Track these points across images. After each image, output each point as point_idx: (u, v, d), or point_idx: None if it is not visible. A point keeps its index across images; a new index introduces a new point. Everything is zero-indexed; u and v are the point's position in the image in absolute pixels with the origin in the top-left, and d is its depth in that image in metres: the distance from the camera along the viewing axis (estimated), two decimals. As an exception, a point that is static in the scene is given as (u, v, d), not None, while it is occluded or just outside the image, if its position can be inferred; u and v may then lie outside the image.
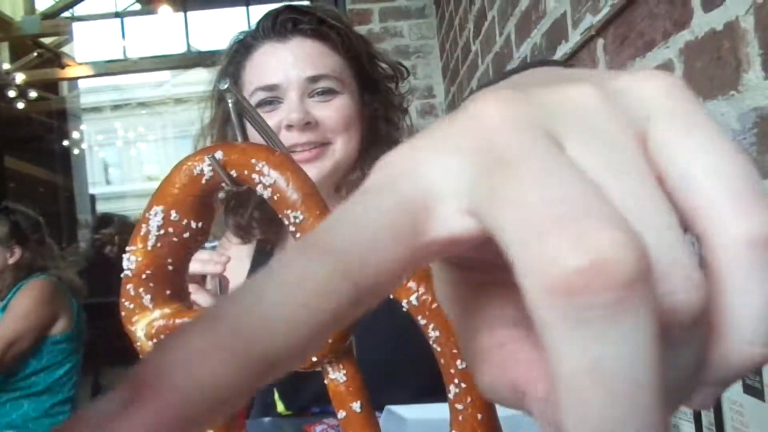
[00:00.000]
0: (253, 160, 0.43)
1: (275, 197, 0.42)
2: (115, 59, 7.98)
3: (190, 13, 6.90)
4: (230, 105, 0.45)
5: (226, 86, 0.45)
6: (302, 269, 0.14)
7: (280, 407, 0.97)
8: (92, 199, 9.92)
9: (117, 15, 7.76)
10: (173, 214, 0.46)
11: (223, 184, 0.45)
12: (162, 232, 0.46)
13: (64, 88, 9.93)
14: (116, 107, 13.54)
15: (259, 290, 0.13)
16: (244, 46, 0.94)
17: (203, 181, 0.44)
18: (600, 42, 0.91)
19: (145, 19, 7.96)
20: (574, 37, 0.99)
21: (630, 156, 0.15)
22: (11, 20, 7.24)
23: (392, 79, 1.03)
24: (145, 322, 0.47)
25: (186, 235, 0.46)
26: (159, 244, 0.46)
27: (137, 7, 7.92)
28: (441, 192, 0.15)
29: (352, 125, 0.93)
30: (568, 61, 1.05)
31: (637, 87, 0.16)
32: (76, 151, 10.04)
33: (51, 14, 7.65)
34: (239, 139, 0.46)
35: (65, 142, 9.72)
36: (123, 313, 0.48)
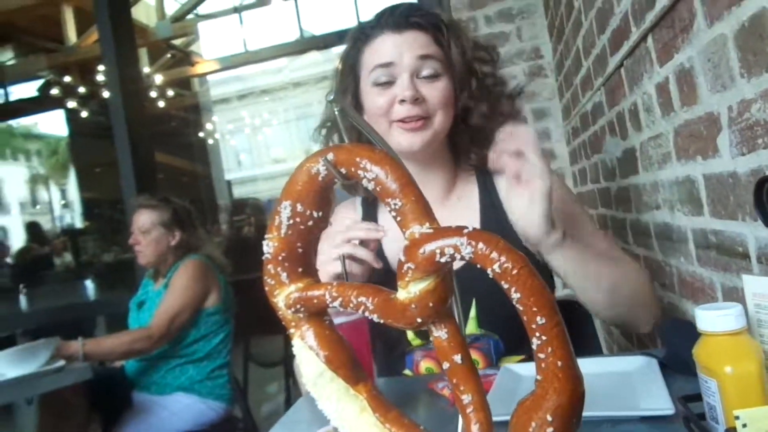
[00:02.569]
0: (358, 159, 0.51)
1: (378, 188, 0.51)
2: (237, 53, 8.50)
3: (300, 0, 7.16)
4: (336, 112, 0.54)
5: (332, 98, 0.54)
6: None
7: (411, 335, 1.09)
8: (228, 184, 10.73)
9: (236, 10, 8.22)
10: (299, 207, 0.56)
11: (336, 179, 0.54)
12: (291, 222, 0.56)
13: (196, 84, 10.75)
14: (242, 97, 14.40)
15: None
16: (364, 34, 1.14)
17: (320, 179, 0.54)
18: (698, -7, 0.89)
19: (261, 11, 8.35)
20: (673, -10, 0.97)
21: None
22: (146, 27, 7.92)
23: (487, 63, 1.17)
24: (284, 295, 0.58)
25: (310, 223, 0.56)
26: (290, 232, 0.57)
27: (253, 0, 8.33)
28: None
29: (450, 104, 1.12)
30: (664, 16, 1.03)
31: None
32: (210, 141, 10.86)
33: (179, 17, 8.27)
34: (346, 140, 0.55)
35: (201, 134, 10.55)
36: (267, 289, 0.60)
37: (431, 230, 0.48)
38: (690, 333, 0.64)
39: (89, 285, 5.86)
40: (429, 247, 0.47)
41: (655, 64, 1.16)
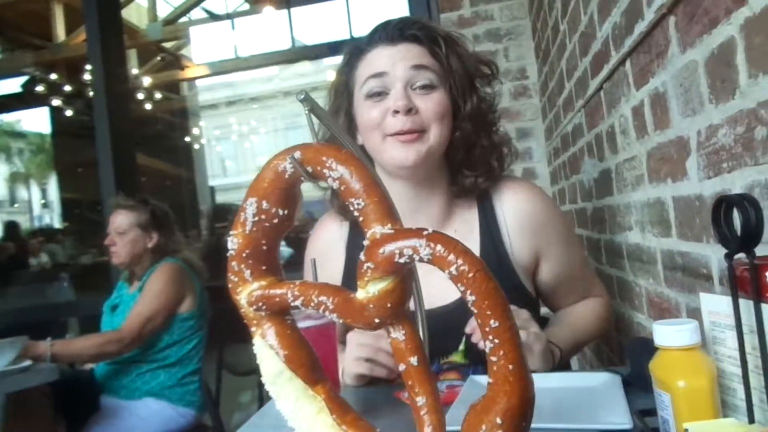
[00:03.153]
0: (324, 158, 0.52)
1: (342, 188, 0.51)
2: (227, 59, 8.51)
3: (293, 10, 7.20)
4: (306, 112, 0.54)
5: (302, 97, 0.54)
6: None
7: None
8: (212, 190, 10.67)
9: (228, 16, 8.24)
10: (264, 204, 0.56)
11: (302, 178, 0.54)
12: (256, 218, 0.56)
13: (185, 88, 10.72)
14: (230, 103, 14.38)
15: None
16: (358, 49, 1.12)
17: (286, 176, 0.54)
18: (672, 20, 0.92)
19: (253, 18, 8.38)
20: (649, 16, 0.99)
21: None
22: (137, 28, 7.91)
23: (486, 77, 1.15)
24: (246, 292, 0.58)
25: (275, 221, 0.57)
26: (255, 229, 0.57)
27: (246, 7, 8.36)
28: None
29: (446, 117, 1.08)
30: (642, 41, 1.06)
31: None
32: (196, 146, 10.81)
33: (171, 20, 8.27)
34: (314, 140, 0.56)
35: (187, 138, 10.50)
36: (230, 286, 0.60)
37: (392, 231, 0.48)
38: (654, 352, 0.65)
39: (65, 286, 5.77)
40: (389, 248, 0.47)
41: (632, 87, 1.19)
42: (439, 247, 0.46)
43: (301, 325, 0.88)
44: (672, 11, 0.91)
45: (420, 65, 1.05)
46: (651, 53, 1.05)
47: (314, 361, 0.59)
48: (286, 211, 0.57)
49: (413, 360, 0.50)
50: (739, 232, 0.55)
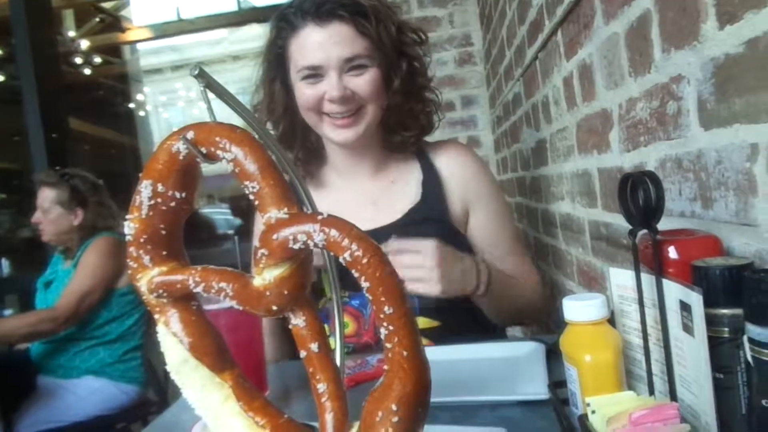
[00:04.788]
0: (218, 138, 0.49)
1: (236, 170, 0.49)
2: (170, 20, 8.15)
3: (238, -30, 6.91)
4: (201, 88, 0.51)
5: (196, 72, 0.51)
6: None
7: (326, 287, 1.15)
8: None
9: (169, -24, 7.86)
10: (160, 187, 0.53)
11: (198, 159, 0.52)
12: (152, 202, 0.54)
13: (127, 53, 10.24)
14: (176, 68, 13.85)
15: None
16: (288, 24, 1.11)
17: (181, 158, 0.51)
18: (596, -9, 0.91)
19: (195, -22, 8.02)
20: (577, -14, 0.99)
21: None
22: (73, -13, 7.45)
23: (419, 44, 1.18)
24: (146, 279, 0.56)
25: (173, 204, 0.54)
26: (151, 213, 0.54)
27: (188, -34, 7.97)
28: None
29: (380, 92, 1.12)
30: (571, 11, 1.05)
31: None
32: (141, 113, 10.42)
33: (108, -21, 7.83)
34: (210, 118, 0.53)
35: (131, 105, 10.09)
36: (129, 272, 0.57)
37: (287, 216, 0.46)
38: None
39: (1, 262, 5.55)
40: (283, 233, 0.45)
41: (563, 58, 1.19)
42: (333, 232, 0.44)
43: (224, 305, 0.86)
44: (596, -19, 0.90)
45: (352, 56, 1.07)
46: (579, 23, 1.04)
47: (221, 348, 0.57)
48: (183, 194, 0.54)
49: (314, 346, 0.49)
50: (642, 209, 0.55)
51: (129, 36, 8.85)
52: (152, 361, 2.44)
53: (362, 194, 1.19)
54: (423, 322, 1.10)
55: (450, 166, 1.19)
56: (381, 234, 1.06)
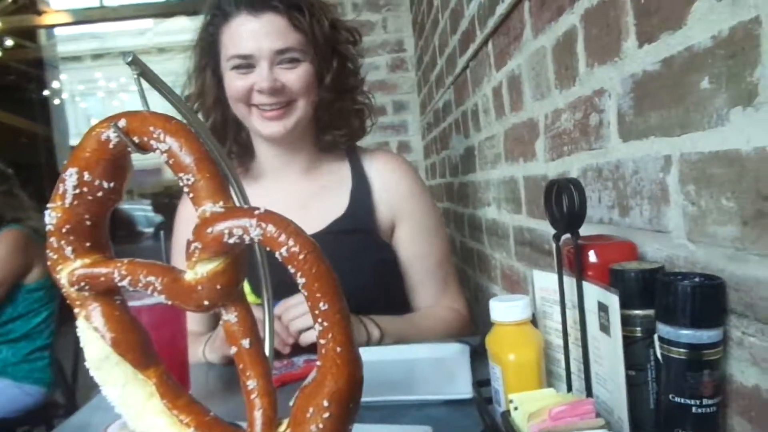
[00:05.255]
0: (152, 128, 0.48)
1: (171, 161, 0.47)
2: (92, 6, 7.77)
3: (167, -41, 6.68)
4: (135, 76, 0.50)
5: (130, 59, 0.50)
6: None
7: (251, 298, 1.08)
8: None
9: (91, -40, 7.50)
10: (86, 176, 0.51)
11: (129, 149, 0.50)
12: (77, 191, 0.51)
13: (43, 37, 9.67)
14: (97, 56, 13.23)
15: None
16: (221, 12, 1.09)
17: (111, 146, 0.50)
18: (527, 5, 0.95)
19: (121, -36, 7.70)
20: (508, -1, 1.03)
21: None
22: (-17, -36, 6.98)
23: (352, 42, 1.18)
24: (67, 271, 0.53)
25: (99, 194, 0.52)
26: (75, 202, 0.52)
27: (113, -49, 7.64)
28: None
29: (312, 88, 1.10)
30: (502, 23, 1.09)
31: None
32: (56, 101, 9.86)
33: (24, -42, 7.38)
34: (143, 108, 0.51)
35: (45, 92, 9.53)
36: (49, 263, 0.54)
37: (222, 209, 0.46)
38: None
39: None
40: (218, 227, 0.45)
41: (493, 68, 1.23)
42: (270, 227, 0.44)
43: (148, 302, 0.83)
44: (527, -3, 0.94)
45: (284, 48, 1.06)
46: (509, 36, 1.08)
47: (145, 344, 0.55)
48: (112, 184, 0.52)
49: (245, 342, 0.48)
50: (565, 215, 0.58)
51: (46, 19, 8.36)
52: (61, 362, 2.31)
53: (292, 196, 1.17)
54: None
55: (383, 177, 1.17)
56: None
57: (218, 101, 1.13)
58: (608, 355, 0.56)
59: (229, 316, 0.49)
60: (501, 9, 1.07)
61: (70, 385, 2.34)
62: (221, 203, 0.47)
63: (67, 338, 2.51)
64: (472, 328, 1.20)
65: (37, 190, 2.44)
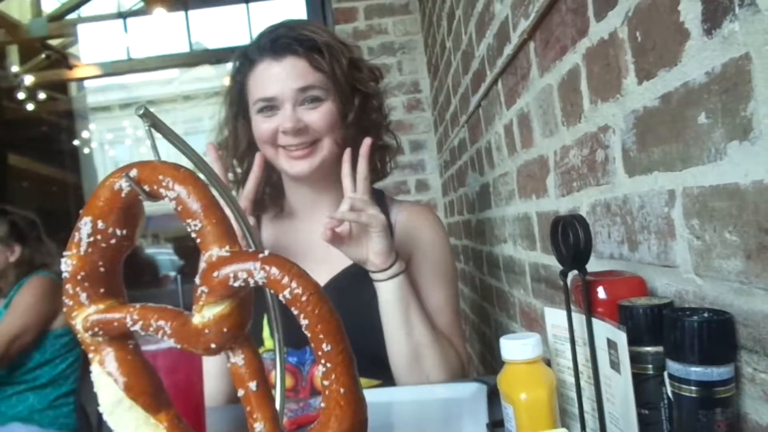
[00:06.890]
0: (161, 176, 0.50)
1: (179, 208, 0.49)
2: (120, 59, 8.06)
3: (191, 12, 6.95)
4: (146, 128, 0.52)
5: (141, 112, 0.52)
6: None
7: (269, 343, 1.10)
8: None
9: (120, 15, 7.83)
10: (100, 224, 0.53)
11: (140, 197, 0.52)
12: (91, 239, 0.53)
13: (73, 89, 10.03)
14: (125, 106, 13.63)
15: None
16: (248, 60, 1.14)
17: (123, 195, 0.52)
18: (532, 45, 0.97)
19: (148, 18, 8.01)
20: (514, 39, 1.05)
21: None
22: (19, 23, 7.32)
23: (373, 80, 1.21)
24: (82, 317, 0.55)
25: (113, 241, 0.54)
26: (90, 250, 0.54)
27: (140, 5, 7.97)
28: None
29: (336, 126, 1.13)
30: (510, 63, 1.11)
31: None
32: (86, 150, 10.15)
33: (57, 16, 7.73)
34: (155, 157, 0.53)
35: (75, 142, 9.83)
36: (65, 309, 0.56)
37: (228, 253, 0.47)
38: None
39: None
40: (223, 271, 0.46)
41: (504, 106, 1.24)
42: (273, 270, 0.45)
43: (163, 346, 0.84)
44: (531, 37, 0.96)
45: (305, 87, 1.09)
46: (517, 75, 1.10)
47: (157, 388, 0.56)
48: (125, 231, 0.54)
49: (252, 385, 0.49)
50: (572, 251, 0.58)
51: (76, 73, 8.69)
52: (86, 408, 2.33)
53: (319, 233, 1.18)
54: (363, 381, 1.08)
55: (408, 218, 1.18)
56: (330, 284, 1.11)
57: (251, 146, 1.16)
58: (620, 394, 0.55)
59: (237, 359, 0.50)
60: (508, 49, 1.09)
61: (95, 431, 2.35)
62: (227, 247, 0.48)
63: (91, 384, 2.54)
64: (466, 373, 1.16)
65: (68, 236, 2.50)
